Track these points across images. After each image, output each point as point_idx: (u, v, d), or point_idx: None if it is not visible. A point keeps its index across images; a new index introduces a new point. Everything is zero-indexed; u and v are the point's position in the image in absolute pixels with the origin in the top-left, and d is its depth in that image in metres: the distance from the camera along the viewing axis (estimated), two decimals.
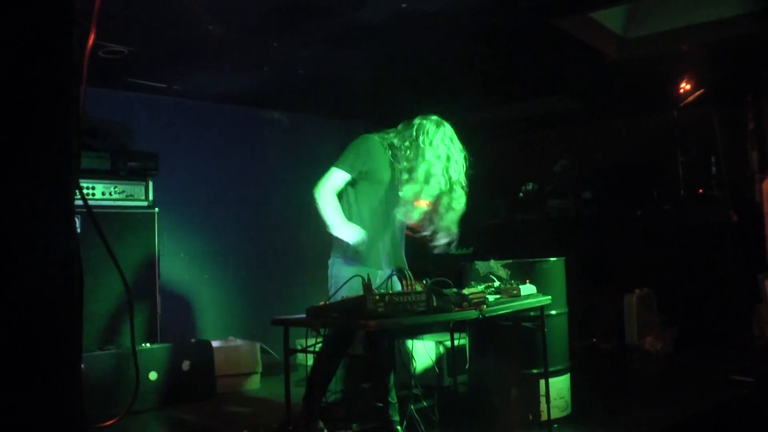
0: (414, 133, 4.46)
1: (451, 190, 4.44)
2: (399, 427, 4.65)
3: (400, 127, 4.60)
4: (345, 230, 4.42)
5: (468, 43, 6.44)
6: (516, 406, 4.94)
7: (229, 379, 6.46)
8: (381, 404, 4.71)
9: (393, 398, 4.73)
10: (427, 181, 4.38)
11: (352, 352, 4.98)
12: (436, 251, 4.63)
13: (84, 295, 1.79)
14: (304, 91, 7.84)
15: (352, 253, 4.49)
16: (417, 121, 4.52)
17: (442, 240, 4.58)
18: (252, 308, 7.93)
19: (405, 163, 4.44)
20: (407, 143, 4.46)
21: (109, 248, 2.21)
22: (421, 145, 4.41)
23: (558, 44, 6.55)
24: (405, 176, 4.43)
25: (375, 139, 4.58)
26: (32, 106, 1.62)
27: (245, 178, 8.24)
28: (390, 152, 4.53)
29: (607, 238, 8.27)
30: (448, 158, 4.41)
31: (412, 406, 4.84)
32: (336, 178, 4.50)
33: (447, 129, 4.49)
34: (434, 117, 4.53)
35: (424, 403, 4.93)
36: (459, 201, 4.49)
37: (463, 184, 4.50)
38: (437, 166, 4.38)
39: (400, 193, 4.44)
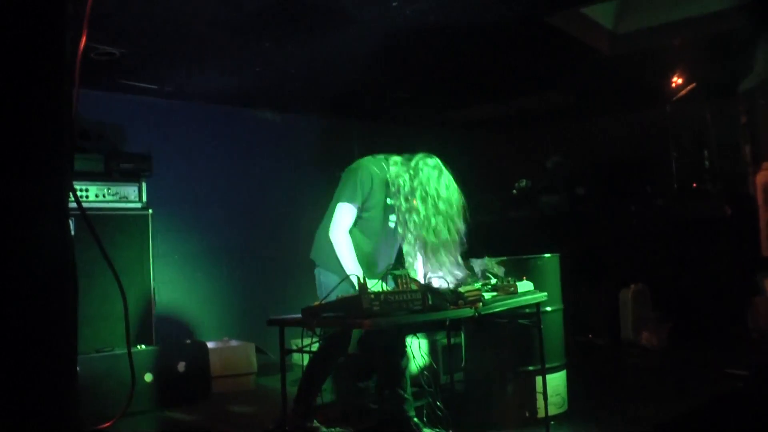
0: (412, 175, 4.49)
1: (444, 229, 4.46)
2: (417, 420, 4.67)
3: (399, 158, 4.61)
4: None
5: (459, 40, 6.43)
6: (512, 404, 4.95)
7: (225, 379, 6.46)
8: (390, 402, 4.73)
9: (408, 394, 4.75)
10: (422, 224, 4.42)
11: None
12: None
13: (78, 297, 1.79)
14: (297, 91, 7.82)
15: (340, 268, 4.51)
16: (416, 161, 4.54)
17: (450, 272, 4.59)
18: (247, 309, 7.92)
19: (402, 203, 4.47)
20: (404, 183, 4.49)
21: (104, 250, 2.21)
22: (417, 189, 4.44)
23: (549, 40, 6.55)
24: (402, 217, 4.49)
25: (372, 168, 4.59)
26: (25, 109, 1.61)
27: (239, 178, 8.22)
28: (383, 182, 4.56)
29: (601, 234, 8.28)
30: (442, 201, 4.43)
31: (429, 399, 4.86)
32: (345, 216, 4.54)
33: (442, 175, 4.50)
34: (431, 160, 4.54)
35: (429, 400, 4.95)
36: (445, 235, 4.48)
37: (455, 222, 4.51)
38: (431, 210, 4.42)
39: (399, 230, 4.55)
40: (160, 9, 5.18)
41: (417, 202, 4.42)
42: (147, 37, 5.82)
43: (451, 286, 4.08)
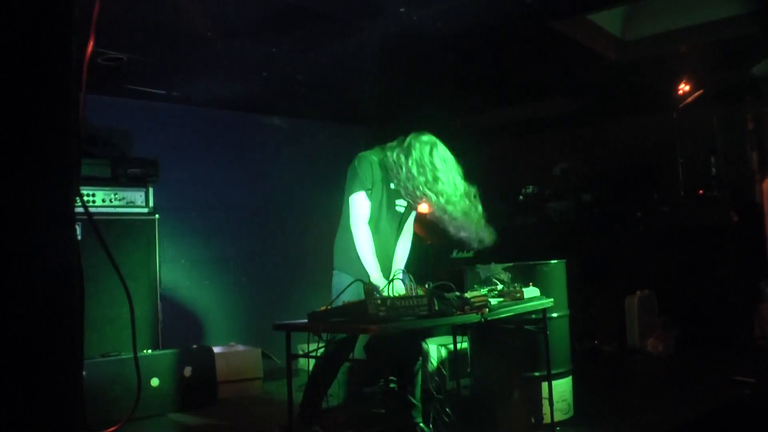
0: (404, 153, 4.50)
1: (447, 202, 4.45)
2: (423, 425, 4.66)
3: (394, 143, 4.63)
4: (376, 276, 4.43)
5: (467, 47, 6.43)
6: (518, 409, 4.94)
7: (231, 384, 6.45)
8: (398, 408, 4.72)
9: (417, 401, 4.74)
10: (418, 198, 4.45)
11: (352, 357, 4.98)
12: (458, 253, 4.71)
13: (85, 302, 1.79)
14: (304, 97, 7.83)
15: (355, 270, 4.50)
16: (408, 140, 4.55)
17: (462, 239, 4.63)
18: (253, 314, 7.93)
19: (398, 183, 4.50)
20: (399, 162, 4.50)
21: (110, 255, 2.21)
22: (411, 166, 4.44)
23: (556, 47, 6.54)
24: (400, 197, 4.58)
25: (370, 156, 4.63)
26: (32, 114, 1.62)
27: (245, 183, 8.23)
28: (383, 169, 4.58)
29: (608, 240, 8.27)
30: (436, 178, 4.42)
31: (437, 405, 4.86)
32: (360, 205, 4.55)
33: (436, 149, 4.49)
34: (424, 137, 4.55)
35: (436, 405, 4.95)
36: (455, 208, 4.50)
37: (456, 197, 4.48)
38: (428, 185, 4.42)
39: (399, 209, 4.65)
40: (167, 15, 5.20)
41: (416, 176, 4.42)
42: (154, 42, 5.83)
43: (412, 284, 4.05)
